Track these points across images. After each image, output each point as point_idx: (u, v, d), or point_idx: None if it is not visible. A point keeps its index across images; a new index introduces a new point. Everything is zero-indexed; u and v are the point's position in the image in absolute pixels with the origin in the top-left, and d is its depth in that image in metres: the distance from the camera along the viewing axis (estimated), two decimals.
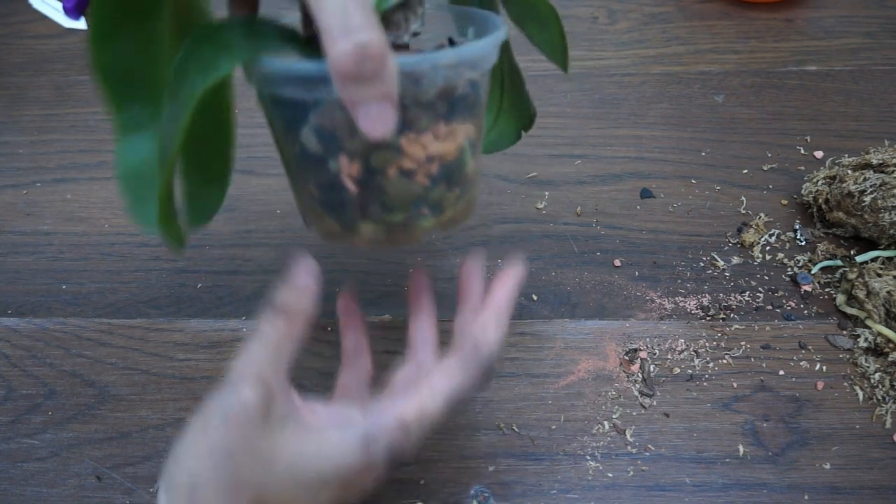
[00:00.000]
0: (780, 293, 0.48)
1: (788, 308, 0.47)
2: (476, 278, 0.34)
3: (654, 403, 0.44)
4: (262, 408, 0.27)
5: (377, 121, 0.24)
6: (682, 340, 0.46)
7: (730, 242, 0.51)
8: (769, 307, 0.47)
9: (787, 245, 0.50)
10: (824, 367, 0.45)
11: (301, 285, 0.30)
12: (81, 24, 0.67)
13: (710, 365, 0.45)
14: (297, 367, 0.46)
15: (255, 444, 0.26)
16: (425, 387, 0.30)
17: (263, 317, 0.30)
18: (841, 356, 0.45)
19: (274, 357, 0.29)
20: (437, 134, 0.27)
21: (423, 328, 0.36)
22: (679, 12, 0.65)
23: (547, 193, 0.54)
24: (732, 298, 0.48)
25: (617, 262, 0.50)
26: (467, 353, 0.31)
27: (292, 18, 0.30)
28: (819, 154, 0.55)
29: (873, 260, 0.48)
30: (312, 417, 0.30)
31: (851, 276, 0.47)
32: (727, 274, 0.49)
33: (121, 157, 0.28)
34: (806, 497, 0.40)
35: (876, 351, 0.45)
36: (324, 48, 0.22)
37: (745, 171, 0.54)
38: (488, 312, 0.32)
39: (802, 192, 0.52)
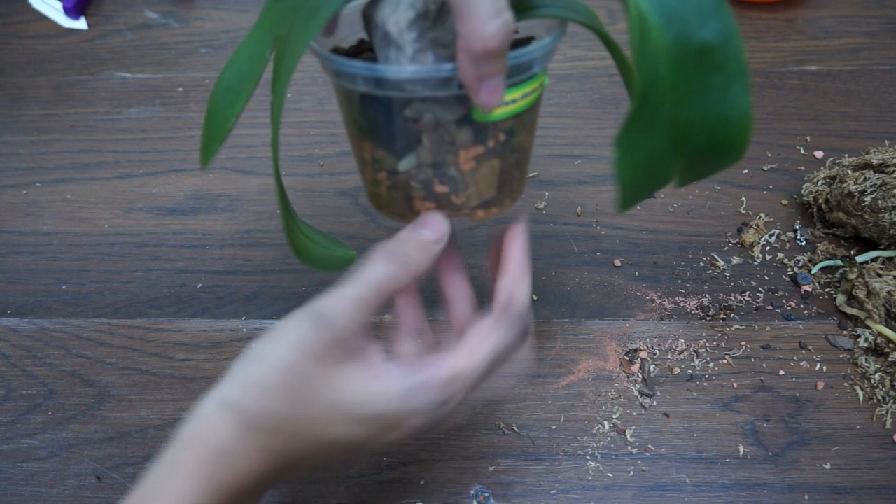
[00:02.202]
0: (781, 293, 0.48)
1: (788, 308, 0.47)
2: (516, 244, 0.34)
3: (655, 403, 0.44)
4: (341, 340, 0.29)
5: (495, 93, 0.27)
6: (683, 340, 0.46)
7: (730, 242, 0.51)
8: (769, 307, 0.47)
9: (787, 245, 0.50)
10: (824, 368, 0.45)
11: (427, 239, 0.32)
12: (81, 23, 0.67)
13: (711, 365, 0.45)
14: None
15: (317, 370, 0.29)
16: (463, 349, 0.30)
17: (379, 257, 0.31)
18: (841, 356, 0.45)
19: (372, 296, 0.30)
20: None
21: (456, 283, 0.36)
22: None
23: (547, 193, 0.54)
24: (732, 298, 0.48)
25: (617, 262, 0.50)
26: (501, 311, 0.31)
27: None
28: (819, 154, 0.55)
29: (873, 260, 0.48)
30: (373, 367, 0.31)
31: (851, 276, 0.47)
32: (727, 274, 0.49)
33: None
34: (806, 497, 0.40)
35: (876, 351, 0.45)
36: (465, 27, 0.25)
37: (745, 171, 0.54)
38: (513, 268, 0.33)
39: (802, 192, 0.51)
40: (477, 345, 0.30)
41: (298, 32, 0.28)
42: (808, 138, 0.56)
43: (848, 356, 0.45)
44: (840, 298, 0.47)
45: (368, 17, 0.30)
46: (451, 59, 0.29)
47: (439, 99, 0.29)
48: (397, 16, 0.28)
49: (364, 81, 0.29)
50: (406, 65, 0.29)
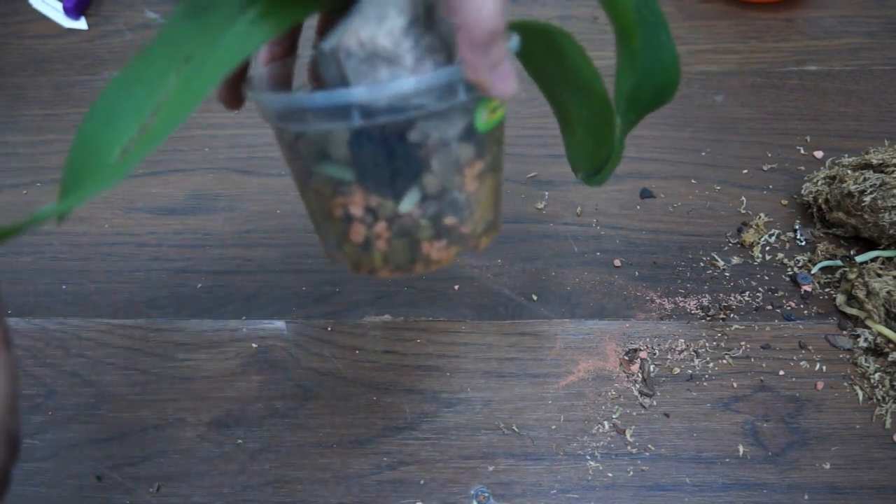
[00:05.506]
0: (780, 293, 0.48)
1: (788, 308, 0.47)
2: None
3: (654, 403, 0.44)
4: None
5: (508, 79, 0.26)
6: (682, 340, 0.46)
7: (730, 242, 0.51)
8: (769, 307, 0.47)
9: (787, 245, 0.50)
10: (824, 367, 0.45)
11: None
12: (81, 23, 0.67)
13: (710, 365, 0.45)
14: (296, 367, 0.46)
15: None
16: None
17: None
18: (841, 356, 0.45)
19: None
20: None
21: None
22: (679, 12, 0.65)
23: (547, 193, 0.54)
24: (732, 298, 0.48)
25: (617, 262, 0.50)
26: None
27: None
28: (819, 154, 0.55)
29: (873, 260, 0.48)
30: None
31: (851, 276, 0.47)
32: (727, 274, 0.49)
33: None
34: (806, 497, 0.40)
35: (876, 351, 0.45)
36: (463, 16, 0.24)
37: (745, 171, 0.54)
38: None
39: (802, 192, 0.51)
40: None
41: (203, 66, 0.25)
42: (808, 138, 0.56)
43: (848, 356, 0.45)
44: (840, 298, 0.47)
45: (330, 51, 0.27)
46: (448, 64, 0.27)
47: (443, 113, 0.26)
48: (388, 25, 0.26)
49: (362, 113, 0.25)
50: (409, 77, 0.25)
